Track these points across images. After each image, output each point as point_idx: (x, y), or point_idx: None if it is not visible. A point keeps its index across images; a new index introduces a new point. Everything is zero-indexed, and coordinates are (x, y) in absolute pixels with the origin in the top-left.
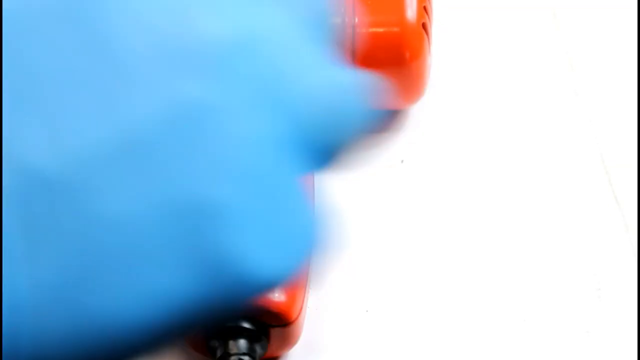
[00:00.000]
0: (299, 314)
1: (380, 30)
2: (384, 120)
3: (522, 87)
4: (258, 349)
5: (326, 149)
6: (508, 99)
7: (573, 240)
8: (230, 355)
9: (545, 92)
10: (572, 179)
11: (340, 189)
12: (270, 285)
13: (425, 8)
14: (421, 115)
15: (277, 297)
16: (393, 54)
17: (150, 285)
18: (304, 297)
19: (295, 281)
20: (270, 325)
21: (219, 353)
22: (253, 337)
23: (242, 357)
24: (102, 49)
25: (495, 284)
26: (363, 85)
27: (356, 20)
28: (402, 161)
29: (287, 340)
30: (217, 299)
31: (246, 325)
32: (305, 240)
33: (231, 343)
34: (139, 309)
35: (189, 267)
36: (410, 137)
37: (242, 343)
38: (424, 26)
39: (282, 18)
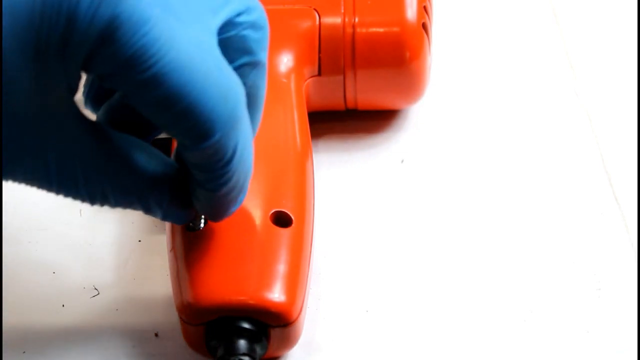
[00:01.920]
0: (299, 314)
1: (380, 30)
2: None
3: (522, 87)
4: (258, 350)
5: None
6: (508, 99)
7: (573, 240)
8: (230, 355)
9: (545, 92)
10: (572, 179)
11: (341, 189)
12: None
13: (425, 8)
14: (421, 115)
15: (277, 297)
16: (393, 54)
17: None
18: (304, 297)
19: (295, 281)
20: (270, 325)
21: (219, 353)
22: (253, 338)
23: (242, 357)
24: None
25: (496, 284)
26: None
27: (356, 20)
28: (402, 161)
29: (287, 341)
30: None
31: (246, 325)
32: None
33: (231, 343)
34: None
35: None
36: (410, 137)
37: (242, 343)
38: (424, 26)
39: None
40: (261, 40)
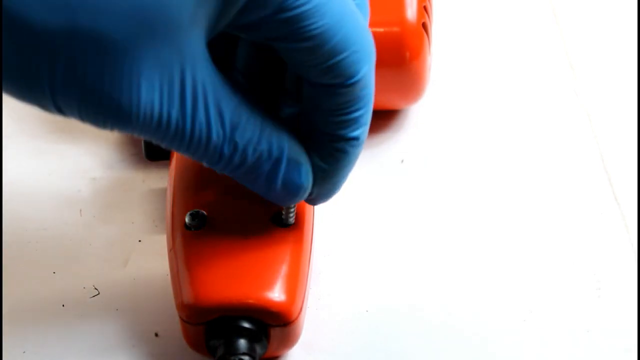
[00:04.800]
0: (299, 314)
1: (380, 30)
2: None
3: (522, 87)
4: (258, 349)
5: None
6: (508, 99)
7: (573, 240)
8: (230, 354)
9: (545, 92)
10: (572, 179)
11: (341, 189)
12: None
13: (425, 8)
14: (421, 115)
15: (277, 297)
16: (393, 54)
17: None
18: (304, 297)
19: (295, 281)
20: (270, 325)
21: (219, 353)
22: (253, 337)
23: (242, 357)
24: None
25: (495, 284)
26: None
27: None
28: (402, 161)
29: (287, 340)
30: None
31: (246, 325)
32: None
33: (231, 343)
34: None
35: None
36: (410, 137)
37: (242, 343)
38: (424, 26)
39: None
40: None
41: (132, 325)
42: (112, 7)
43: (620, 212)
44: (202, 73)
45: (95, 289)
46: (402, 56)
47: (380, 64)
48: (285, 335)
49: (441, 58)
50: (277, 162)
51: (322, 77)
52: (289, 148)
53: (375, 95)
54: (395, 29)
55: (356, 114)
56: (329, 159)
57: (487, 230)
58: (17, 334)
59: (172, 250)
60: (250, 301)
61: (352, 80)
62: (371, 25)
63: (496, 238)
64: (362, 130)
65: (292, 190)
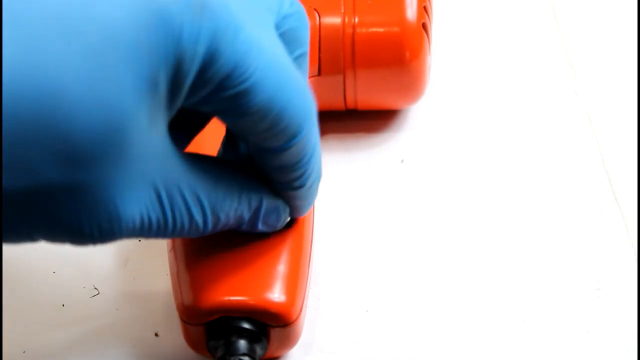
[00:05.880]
0: (299, 314)
1: (380, 30)
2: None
3: (522, 87)
4: (258, 350)
5: None
6: (508, 99)
7: (573, 240)
8: (231, 355)
9: (545, 92)
10: (572, 179)
11: (341, 189)
12: None
13: (425, 8)
14: (421, 115)
15: (277, 297)
16: (393, 54)
17: None
18: (304, 297)
19: (295, 281)
20: (270, 325)
21: (219, 353)
22: (253, 338)
23: (242, 357)
24: None
25: (495, 284)
26: None
27: (356, 20)
28: (402, 161)
29: (287, 341)
30: None
31: (246, 325)
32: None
33: (231, 343)
34: None
35: None
36: (410, 137)
37: (242, 343)
38: (424, 26)
39: None
40: (307, 29)
41: (132, 325)
42: (77, 151)
43: (620, 212)
44: (170, 168)
45: (95, 288)
46: (402, 56)
47: (380, 64)
48: (285, 335)
49: (441, 58)
50: (256, 210)
51: (264, 143)
52: (265, 197)
53: (375, 95)
54: (395, 29)
55: (299, 171)
56: (287, 198)
57: (487, 230)
58: (17, 334)
59: (172, 250)
60: (250, 302)
61: (293, 142)
62: (371, 25)
63: (496, 238)
64: (309, 179)
65: (273, 224)
